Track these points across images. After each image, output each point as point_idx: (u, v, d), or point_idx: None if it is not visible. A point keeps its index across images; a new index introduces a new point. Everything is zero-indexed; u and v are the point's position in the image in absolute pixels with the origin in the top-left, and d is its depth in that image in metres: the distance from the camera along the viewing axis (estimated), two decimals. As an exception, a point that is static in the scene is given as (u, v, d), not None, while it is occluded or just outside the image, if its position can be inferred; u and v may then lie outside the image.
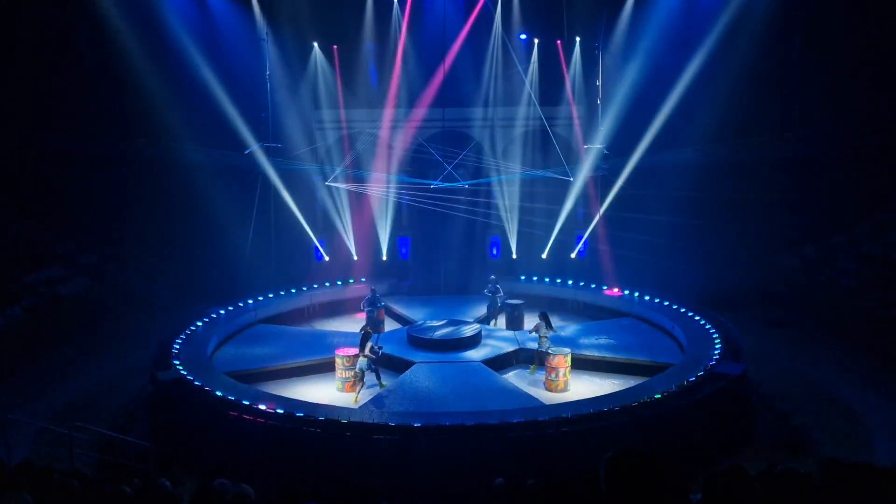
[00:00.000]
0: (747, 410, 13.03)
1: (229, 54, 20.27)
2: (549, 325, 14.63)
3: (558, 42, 21.21)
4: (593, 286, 19.66)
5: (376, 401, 13.10)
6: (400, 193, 21.93)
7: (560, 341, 15.50)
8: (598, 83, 20.68)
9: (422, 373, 14.29)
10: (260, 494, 6.14)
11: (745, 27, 19.46)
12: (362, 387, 13.68)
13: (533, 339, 14.82)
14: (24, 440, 11.85)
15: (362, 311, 17.32)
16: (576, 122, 21.82)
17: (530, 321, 17.79)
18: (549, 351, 14.15)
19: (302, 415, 11.46)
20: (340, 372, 14.05)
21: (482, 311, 18.37)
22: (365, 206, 22.05)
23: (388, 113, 21.67)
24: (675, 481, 2.87)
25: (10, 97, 20.55)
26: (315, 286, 19.89)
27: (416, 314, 18.05)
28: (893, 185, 20.78)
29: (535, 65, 21.49)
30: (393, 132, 21.96)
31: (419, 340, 15.65)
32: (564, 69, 21.36)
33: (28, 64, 20.87)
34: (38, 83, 21.07)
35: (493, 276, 18.13)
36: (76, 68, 21.50)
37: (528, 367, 15.03)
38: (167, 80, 20.07)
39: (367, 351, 13.67)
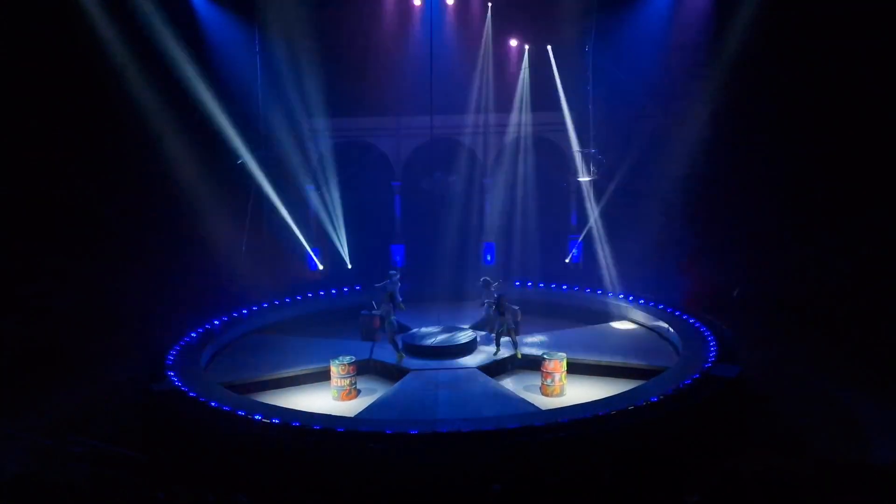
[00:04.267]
0: (743, 412, 13.05)
1: (220, 62, 20.26)
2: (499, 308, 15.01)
3: (548, 48, 21.29)
4: (588, 290, 19.68)
5: (372, 409, 13.06)
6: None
7: (555, 346, 15.49)
8: (589, 87, 20.75)
9: (417, 380, 14.25)
10: (255, 505, 6.11)
11: (734, 29, 19.59)
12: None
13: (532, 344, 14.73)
14: (16, 454, 11.77)
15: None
16: (568, 127, 21.88)
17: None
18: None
19: (298, 424, 11.41)
20: (336, 381, 14.00)
21: (477, 317, 18.35)
22: (358, 214, 22.05)
23: (380, 121, 21.73)
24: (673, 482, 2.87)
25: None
26: (309, 295, 19.86)
27: (410, 322, 17.99)
28: (886, 185, 20.90)
29: (527, 70, 21.56)
30: (384, 140, 21.97)
31: (414, 348, 15.61)
32: (556, 74, 21.44)
33: (15, 73, 20.81)
34: (27, 91, 21.00)
35: (485, 279, 17.82)
36: (64, 76, 21.43)
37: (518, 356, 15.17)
38: (158, 90, 20.03)
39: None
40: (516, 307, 17.65)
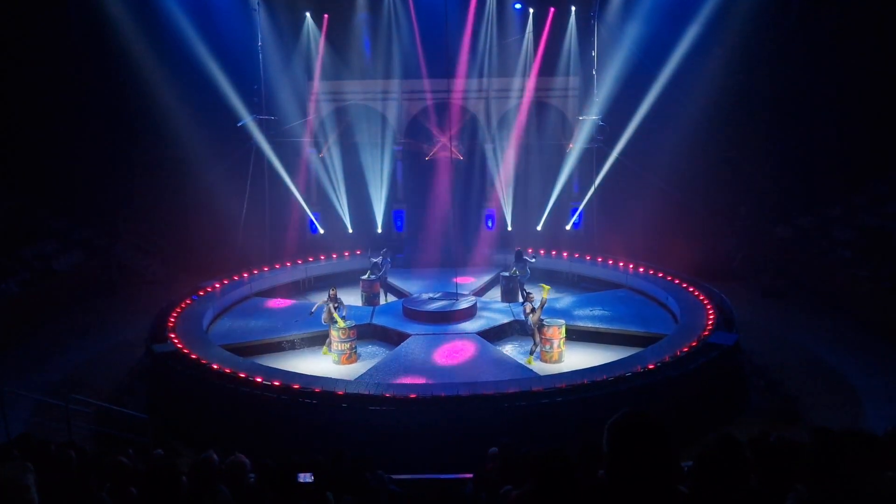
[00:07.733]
0: (740, 380, 13.15)
1: (220, 25, 19.95)
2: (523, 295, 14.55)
3: (551, 10, 20.93)
4: (588, 258, 19.68)
5: (372, 373, 13.18)
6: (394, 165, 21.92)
7: (554, 313, 15.54)
8: (594, 53, 20.45)
9: (417, 345, 14.35)
10: (256, 465, 6.19)
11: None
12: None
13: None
14: (21, 414, 11.91)
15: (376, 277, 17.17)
16: (571, 93, 21.63)
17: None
18: (542, 323, 14.09)
19: (298, 387, 11.52)
20: (336, 345, 14.09)
21: (477, 283, 18.40)
22: (360, 178, 21.96)
23: (382, 84, 21.49)
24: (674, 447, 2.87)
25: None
26: (310, 259, 19.89)
27: (411, 287, 18.07)
28: (889, 156, 20.78)
29: (530, 35, 21.25)
30: (386, 104, 21.76)
31: (415, 313, 15.68)
32: (560, 39, 21.12)
33: (16, 39, 20.57)
34: (29, 59, 20.79)
35: (519, 249, 17.69)
36: (65, 42, 21.16)
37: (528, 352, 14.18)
38: (157, 52, 19.78)
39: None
40: (516, 274, 17.73)
